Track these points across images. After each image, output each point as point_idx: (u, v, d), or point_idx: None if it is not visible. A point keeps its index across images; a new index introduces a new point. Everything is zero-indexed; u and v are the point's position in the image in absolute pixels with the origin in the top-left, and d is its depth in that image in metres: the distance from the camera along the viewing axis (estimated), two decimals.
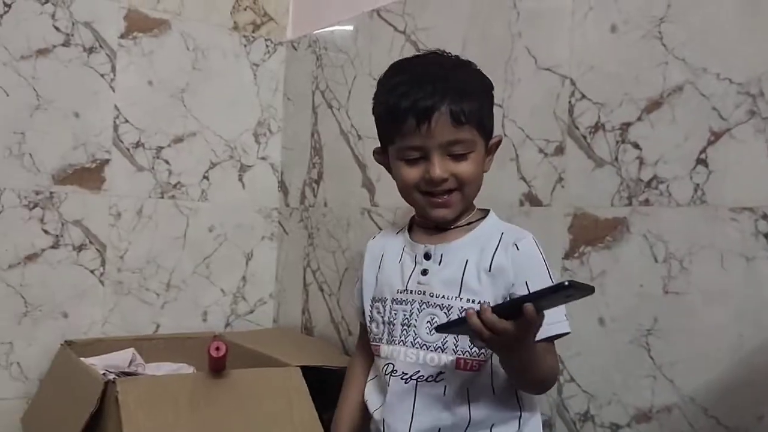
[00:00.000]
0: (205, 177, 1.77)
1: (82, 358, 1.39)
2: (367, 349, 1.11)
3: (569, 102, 1.15)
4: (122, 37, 1.63)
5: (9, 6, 1.49)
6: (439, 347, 0.95)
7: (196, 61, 1.74)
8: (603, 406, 1.09)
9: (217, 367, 1.23)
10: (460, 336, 0.94)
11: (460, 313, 0.93)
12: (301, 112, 1.82)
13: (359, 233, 1.60)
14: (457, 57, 1.02)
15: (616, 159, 1.08)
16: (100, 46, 1.61)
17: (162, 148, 1.70)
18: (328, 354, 1.55)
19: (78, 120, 1.58)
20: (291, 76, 1.88)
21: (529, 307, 0.77)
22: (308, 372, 1.33)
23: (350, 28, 1.66)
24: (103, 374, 1.27)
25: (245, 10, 1.82)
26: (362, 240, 1.58)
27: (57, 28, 1.55)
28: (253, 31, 1.84)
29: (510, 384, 0.97)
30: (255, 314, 1.86)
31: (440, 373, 0.95)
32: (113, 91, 1.62)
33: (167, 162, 1.70)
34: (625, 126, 1.07)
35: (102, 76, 1.61)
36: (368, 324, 1.06)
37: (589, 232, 1.11)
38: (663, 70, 1.03)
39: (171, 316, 1.71)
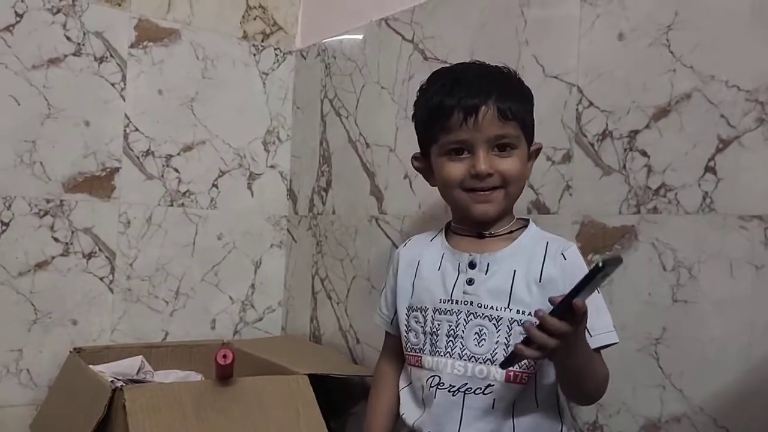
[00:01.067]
0: (215, 185, 1.77)
1: (90, 366, 1.39)
2: (394, 357, 1.10)
3: (577, 110, 1.15)
4: (132, 46, 1.65)
5: (21, 16, 1.51)
6: (489, 359, 0.94)
7: (205, 70, 1.76)
8: (612, 415, 1.08)
9: (225, 375, 1.23)
10: (510, 347, 0.92)
11: (509, 327, 0.93)
12: (310, 121, 1.83)
13: (367, 241, 1.60)
14: (496, 66, 1.01)
15: (624, 167, 1.08)
16: (111, 56, 1.62)
17: (171, 156, 1.71)
18: (336, 362, 1.55)
19: (88, 128, 1.59)
20: (300, 84, 1.89)
21: (578, 302, 0.77)
22: (316, 380, 1.33)
23: (359, 36, 1.67)
24: (111, 381, 1.27)
25: (255, 19, 1.84)
26: (370, 248, 1.59)
27: (68, 38, 1.56)
28: (262, 41, 1.85)
29: (551, 397, 0.97)
30: (263, 322, 1.86)
31: (489, 385, 0.93)
32: (123, 100, 1.64)
33: (177, 170, 1.71)
34: (633, 134, 1.07)
35: (112, 85, 1.62)
36: (404, 333, 1.03)
37: (597, 240, 1.11)
38: (671, 78, 1.03)
39: (179, 323, 1.72)
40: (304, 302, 1.81)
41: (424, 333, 0.99)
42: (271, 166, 1.87)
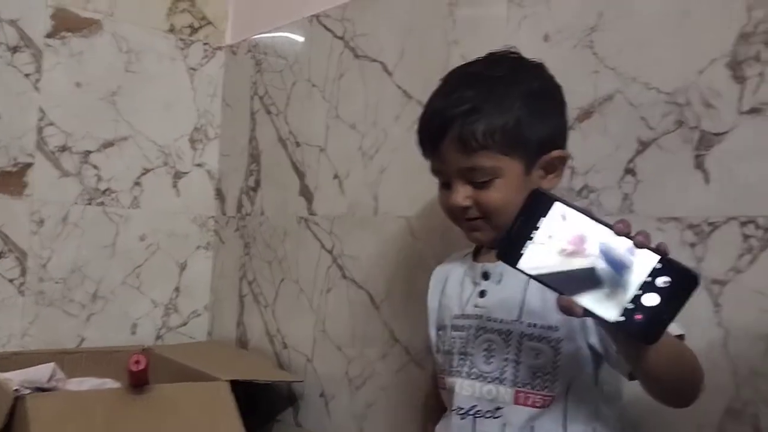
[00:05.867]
0: (137, 183, 1.70)
1: None
2: (435, 385, 1.00)
3: None
4: (49, 36, 1.56)
5: None
6: (497, 378, 0.84)
7: (129, 63, 1.68)
8: None
9: (138, 382, 1.17)
10: (520, 365, 0.83)
11: (519, 342, 0.82)
12: (240, 118, 1.77)
13: (295, 243, 1.56)
14: (497, 63, 0.89)
15: None
16: (26, 45, 1.53)
17: (90, 152, 1.63)
18: (262, 367, 1.50)
19: None
20: (230, 81, 1.83)
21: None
22: (241, 387, 1.28)
23: (290, 33, 1.63)
24: (16, 390, 1.19)
25: (182, 12, 1.77)
26: (298, 250, 1.54)
27: None
28: (190, 35, 1.79)
29: (586, 425, 0.82)
30: (188, 327, 1.79)
31: (498, 408, 0.84)
32: (38, 92, 1.55)
33: (96, 167, 1.63)
34: None
35: (26, 76, 1.54)
36: (435, 355, 0.95)
37: None
38: (594, 80, 1.02)
39: (97, 328, 1.64)
40: (231, 306, 1.75)
41: (444, 352, 0.92)
42: (198, 165, 1.80)
